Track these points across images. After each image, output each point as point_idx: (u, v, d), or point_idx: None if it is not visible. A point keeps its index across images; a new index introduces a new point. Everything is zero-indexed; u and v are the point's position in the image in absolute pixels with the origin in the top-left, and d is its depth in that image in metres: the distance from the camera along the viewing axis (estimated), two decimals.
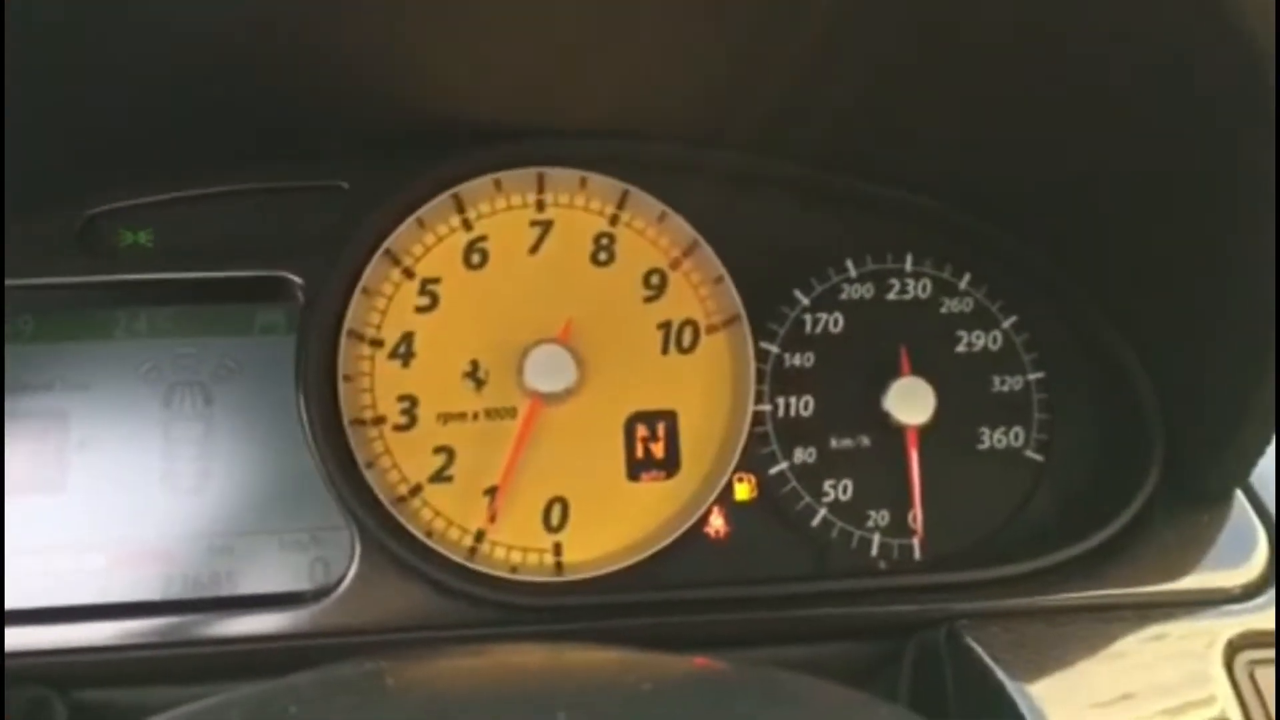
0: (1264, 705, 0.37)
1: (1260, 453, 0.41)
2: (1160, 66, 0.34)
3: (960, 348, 0.45)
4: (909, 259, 0.45)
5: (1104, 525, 0.43)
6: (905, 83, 0.40)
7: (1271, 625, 0.41)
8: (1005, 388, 0.45)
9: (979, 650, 0.36)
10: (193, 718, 0.24)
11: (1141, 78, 0.35)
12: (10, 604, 0.41)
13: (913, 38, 0.38)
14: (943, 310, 0.45)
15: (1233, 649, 0.39)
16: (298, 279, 0.43)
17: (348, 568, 0.42)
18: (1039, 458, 0.45)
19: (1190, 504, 0.43)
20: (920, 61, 0.39)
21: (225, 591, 0.42)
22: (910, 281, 0.45)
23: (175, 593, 0.42)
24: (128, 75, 0.38)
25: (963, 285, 0.45)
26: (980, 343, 0.45)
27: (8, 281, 0.42)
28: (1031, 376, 0.45)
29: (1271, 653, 0.39)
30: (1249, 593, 0.41)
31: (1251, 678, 0.38)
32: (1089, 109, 0.38)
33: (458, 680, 0.27)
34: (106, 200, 0.43)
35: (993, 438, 0.45)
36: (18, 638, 0.40)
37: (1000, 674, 0.35)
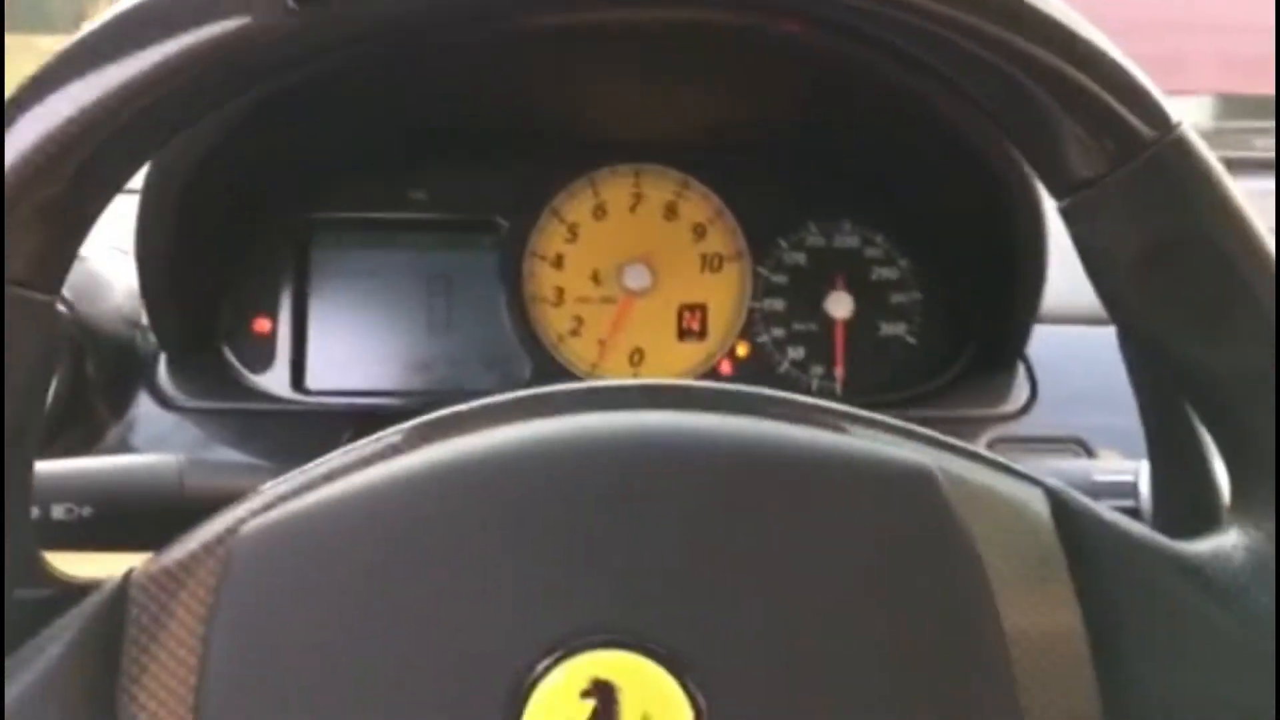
0: None
1: (1022, 344, 0.72)
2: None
3: (873, 276, 0.75)
4: (847, 223, 0.75)
5: (940, 376, 0.75)
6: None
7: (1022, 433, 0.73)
8: (896, 300, 0.74)
9: None
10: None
11: None
12: (345, 385, 0.76)
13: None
14: (864, 254, 0.74)
15: (992, 441, 0.70)
16: (503, 221, 0.74)
17: (524, 377, 0.76)
18: (913, 341, 0.75)
19: (991, 368, 0.74)
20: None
21: (458, 387, 0.76)
22: (846, 236, 0.75)
23: (431, 385, 0.76)
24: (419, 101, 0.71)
25: (878, 240, 0.75)
26: (885, 274, 0.75)
27: (350, 214, 0.76)
28: (913, 295, 0.75)
29: (1016, 445, 0.71)
30: (1011, 416, 0.72)
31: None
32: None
33: None
34: (401, 173, 0.75)
35: (886, 328, 0.75)
36: (344, 399, 0.75)
37: None
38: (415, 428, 0.36)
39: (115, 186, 0.36)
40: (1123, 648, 0.35)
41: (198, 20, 0.33)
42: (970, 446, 0.37)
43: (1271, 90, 1.18)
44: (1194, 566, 0.36)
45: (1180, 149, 0.35)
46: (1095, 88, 0.35)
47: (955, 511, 0.35)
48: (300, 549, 0.35)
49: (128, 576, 0.35)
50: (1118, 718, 0.35)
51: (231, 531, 0.35)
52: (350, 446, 0.37)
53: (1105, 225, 0.36)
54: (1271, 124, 1.15)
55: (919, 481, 0.36)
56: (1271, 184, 0.91)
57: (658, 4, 0.35)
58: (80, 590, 0.36)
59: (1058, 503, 0.37)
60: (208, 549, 0.35)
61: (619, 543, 0.34)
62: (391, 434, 0.36)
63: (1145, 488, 0.49)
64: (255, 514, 0.36)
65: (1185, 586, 0.35)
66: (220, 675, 0.34)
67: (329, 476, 0.36)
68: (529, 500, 0.35)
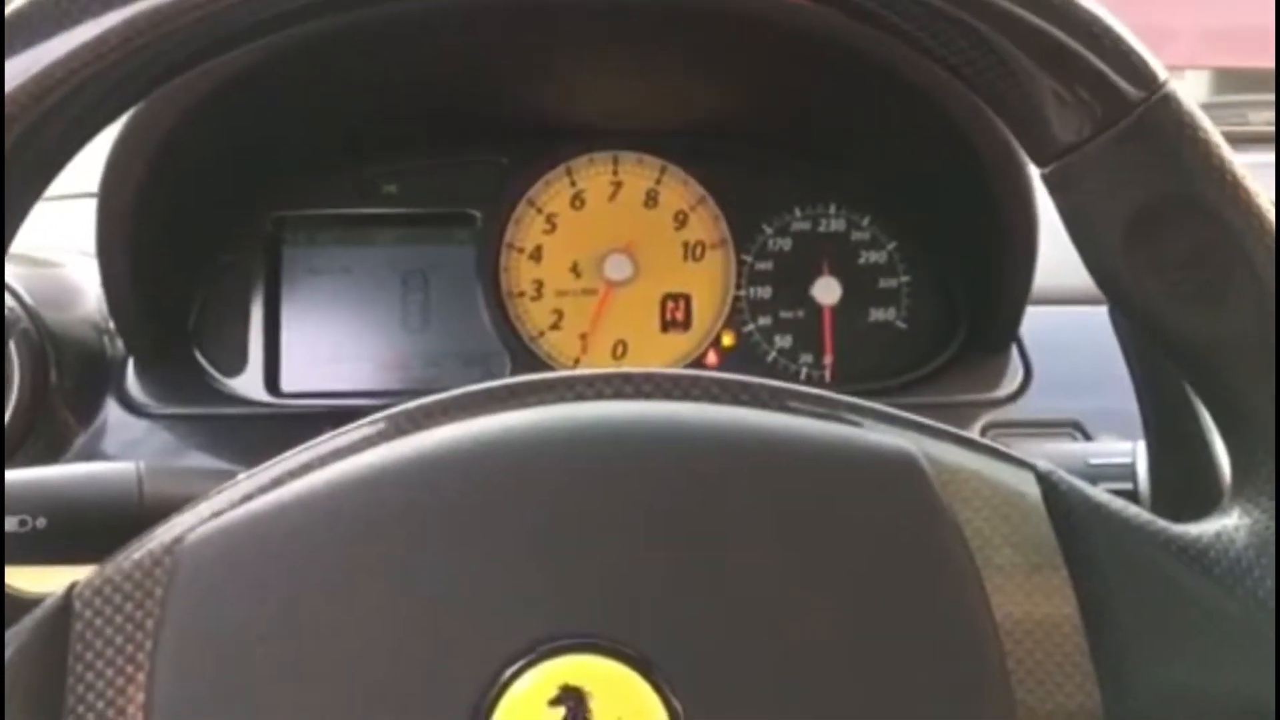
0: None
1: (1015, 325, 0.70)
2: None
3: (860, 260, 0.73)
4: (833, 207, 0.73)
5: (932, 361, 0.73)
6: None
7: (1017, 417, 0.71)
8: (885, 285, 0.72)
9: None
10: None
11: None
12: (320, 386, 0.74)
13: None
14: (851, 238, 0.73)
15: (986, 426, 0.69)
16: (478, 213, 0.73)
17: (504, 375, 0.74)
18: (903, 325, 0.73)
19: (983, 352, 0.72)
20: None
21: (436, 386, 0.74)
22: (832, 220, 0.73)
23: (409, 384, 0.74)
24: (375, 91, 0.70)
25: (864, 223, 0.73)
26: (872, 257, 0.73)
27: (320, 211, 0.74)
28: (902, 278, 0.73)
29: (1011, 430, 0.69)
30: (1005, 400, 0.70)
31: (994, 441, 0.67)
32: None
33: None
34: (372, 166, 0.74)
35: (875, 313, 0.73)
36: (319, 400, 0.73)
37: None
38: (368, 426, 0.34)
39: (46, 174, 0.34)
40: (1121, 636, 0.34)
41: None
42: (955, 430, 0.36)
43: (1260, 63, 1.16)
44: (1195, 550, 0.34)
45: (1168, 108, 0.33)
46: (1076, 45, 0.33)
47: (940, 497, 0.34)
48: (249, 556, 0.33)
49: (71, 590, 0.33)
50: (1117, 707, 0.33)
51: (178, 540, 0.33)
52: (301, 448, 0.35)
53: (1091, 192, 0.34)
54: (1265, 97, 1.13)
55: (901, 467, 0.34)
56: (1269, 157, 0.90)
57: None
58: (26, 606, 0.34)
59: (1049, 486, 0.35)
60: (154, 559, 0.33)
61: (584, 541, 0.33)
62: (343, 433, 0.35)
63: (1143, 469, 0.47)
64: (203, 521, 0.34)
65: (1186, 571, 0.33)
66: (169, 692, 0.32)
67: (278, 480, 0.34)
68: (489, 499, 0.33)
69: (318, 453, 0.34)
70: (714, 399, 0.35)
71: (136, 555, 0.34)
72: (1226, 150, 0.34)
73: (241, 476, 0.35)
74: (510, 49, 0.68)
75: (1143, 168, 0.33)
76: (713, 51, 0.68)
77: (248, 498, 0.34)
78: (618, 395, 0.35)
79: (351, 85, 0.67)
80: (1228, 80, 1.20)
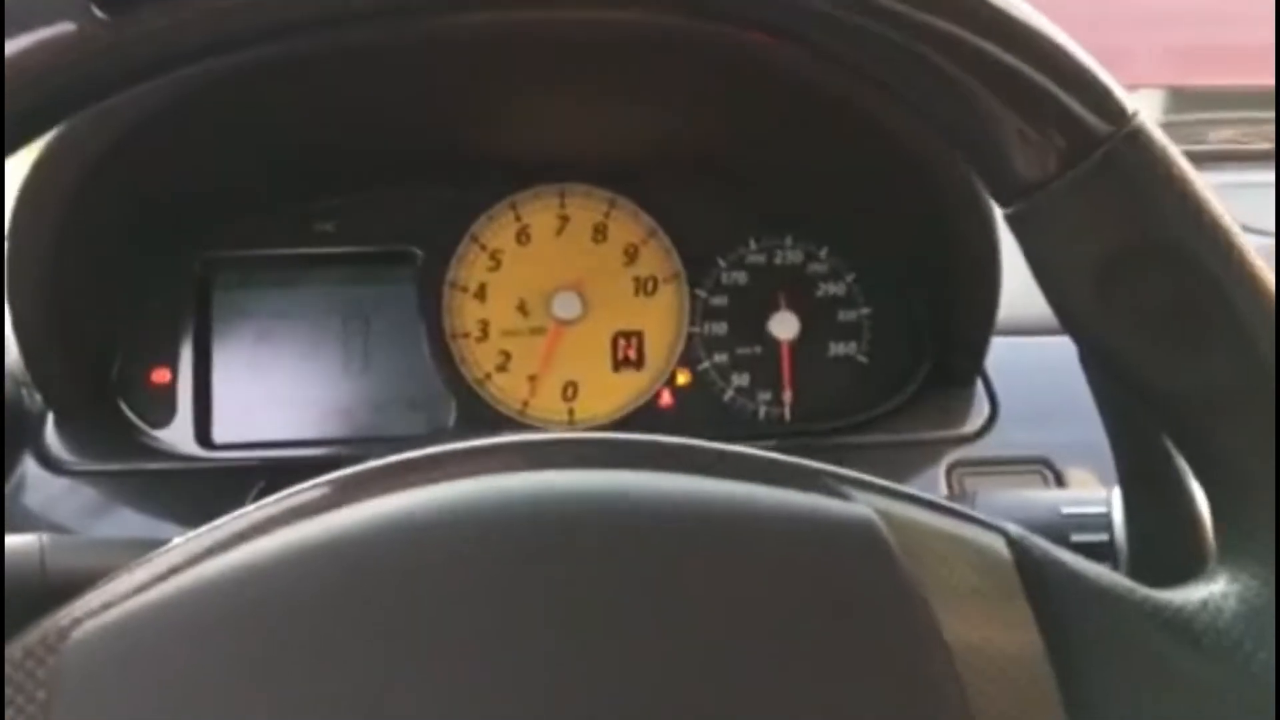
0: (962, 493, 0.64)
1: (979, 358, 0.68)
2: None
3: (818, 293, 0.70)
4: (789, 238, 0.71)
5: (894, 397, 0.71)
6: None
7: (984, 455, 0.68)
8: (844, 318, 0.70)
9: None
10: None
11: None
12: (256, 437, 0.70)
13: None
14: (808, 270, 0.70)
15: (952, 465, 0.66)
16: (419, 251, 0.70)
17: (449, 420, 0.71)
18: (864, 360, 0.71)
19: (948, 386, 0.70)
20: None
21: (379, 433, 0.71)
22: (788, 252, 0.71)
23: (350, 432, 0.71)
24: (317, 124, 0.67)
25: (821, 254, 0.71)
26: (830, 290, 0.70)
27: (252, 252, 0.71)
28: (862, 311, 0.71)
29: (978, 469, 0.66)
30: (971, 437, 0.68)
31: (960, 480, 0.65)
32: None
33: None
34: (306, 203, 0.71)
35: (835, 348, 0.71)
36: (255, 452, 0.69)
37: None
38: (270, 507, 0.31)
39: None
40: (1102, 713, 0.31)
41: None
42: (920, 493, 0.33)
43: (1219, 81, 1.15)
44: (1181, 620, 0.31)
45: (1138, 143, 0.30)
46: (1038, 76, 0.30)
47: (903, 565, 0.31)
48: (137, 654, 0.29)
49: None
50: None
51: (62, 636, 0.30)
52: (205, 528, 0.32)
53: (1058, 234, 0.31)
54: (1222, 114, 1.12)
55: (861, 534, 0.31)
56: (1228, 178, 0.88)
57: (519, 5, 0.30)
58: None
59: (1021, 551, 0.32)
60: (36, 658, 0.30)
61: (521, 623, 0.29)
62: (244, 514, 0.31)
63: (1119, 517, 0.44)
64: (91, 613, 0.30)
65: (1172, 643, 0.31)
66: None
67: (176, 568, 0.31)
68: (405, 584, 0.30)
69: (216, 538, 0.31)
70: (664, 466, 0.32)
71: (17, 655, 0.30)
72: (1201, 185, 0.31)
73: (137, 562, 0.32)
74: (451, 78, 0.65)
75: (1112, 208, 0.31)
76: (662, 81, 0.66)
77: (140, 588, 0.31)
78: (555, 463, 0.32)
79: (284, 118, 0.64)
80: (1184, 98, 1.18)
